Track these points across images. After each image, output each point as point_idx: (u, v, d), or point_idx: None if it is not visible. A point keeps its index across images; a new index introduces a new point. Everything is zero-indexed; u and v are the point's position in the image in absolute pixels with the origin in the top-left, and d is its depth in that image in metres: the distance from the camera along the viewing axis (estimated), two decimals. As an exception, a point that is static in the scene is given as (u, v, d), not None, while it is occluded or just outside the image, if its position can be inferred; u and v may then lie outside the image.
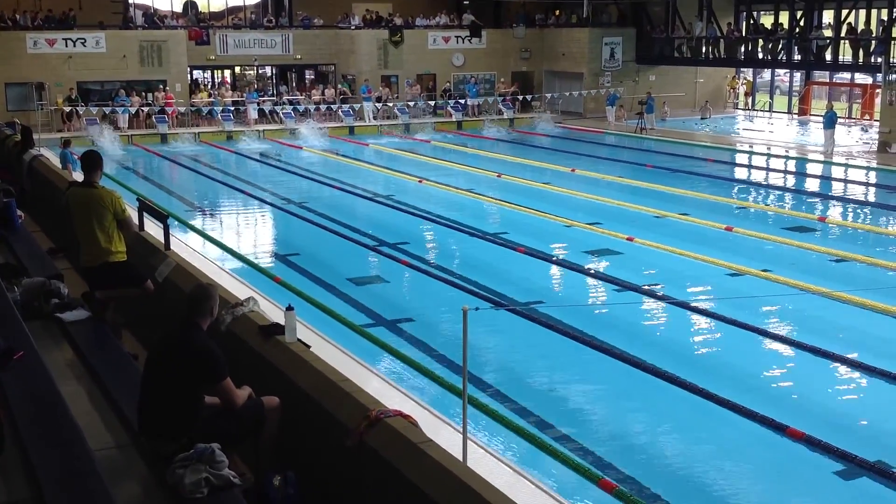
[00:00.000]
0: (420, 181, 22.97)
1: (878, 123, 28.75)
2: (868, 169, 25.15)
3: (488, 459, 7.70)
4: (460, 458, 5.75)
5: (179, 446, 5.03)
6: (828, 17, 33.40)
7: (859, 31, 31.20)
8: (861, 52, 30.55)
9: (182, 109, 32.75)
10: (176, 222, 16.65)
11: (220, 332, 6.28)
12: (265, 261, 15.58)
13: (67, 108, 31.05)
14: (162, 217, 9.58)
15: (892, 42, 30.41)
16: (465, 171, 24.65)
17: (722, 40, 35.49)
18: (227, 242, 16.71)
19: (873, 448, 8.20)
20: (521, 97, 36.79)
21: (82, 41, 32.47)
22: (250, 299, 6.73)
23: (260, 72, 37.26)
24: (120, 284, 7.77)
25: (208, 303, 5.47)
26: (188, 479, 4.81)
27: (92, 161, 7.85)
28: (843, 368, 10.34)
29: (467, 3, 39.12)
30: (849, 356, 10.45)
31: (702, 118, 36.57)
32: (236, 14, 39.40)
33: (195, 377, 5.22)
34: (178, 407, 5.20)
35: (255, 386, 5.56)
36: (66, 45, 32.13)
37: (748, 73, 40.63)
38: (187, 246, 15.05)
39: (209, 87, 36.45)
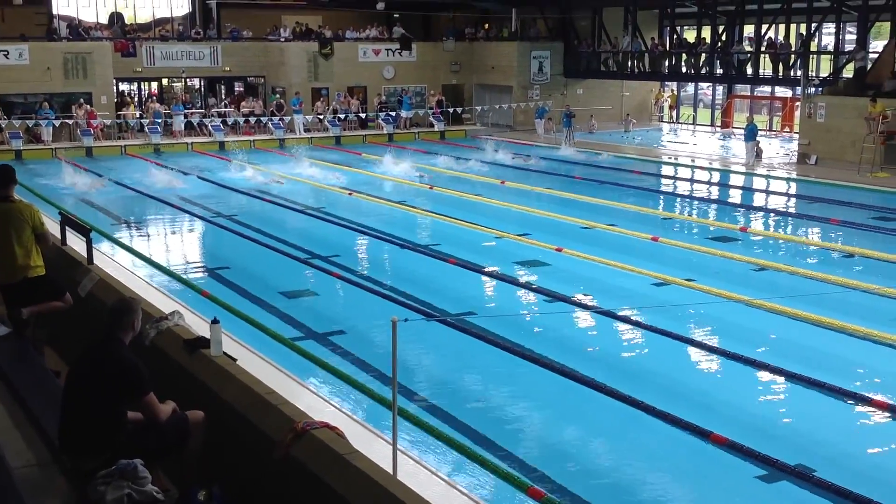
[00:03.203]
0: (350, 193, 22.93)
1: (797, 135, 29.55)
2: (788, 180, 25.83)
3: (419, 471, 7.71)
4: (390, 470, 5.76)
5: (101, 462, 4.95)
6: (748, 31, 34.26)
7: (779, 45, 32.08)
8: (781, 66, 31.41)
9: (108, 122, 32.19)
10: (100, 236, 16.37)
11: (143, 346, 6.21)
12: (193, 274, 15.38)
13: (-10, 121, 30.32)
14: (84, 231, 9.41)
15: (811, 56, 31.37)
16: (398, 183, 24.67)
17: (647, 54, 36.18)
18: (154, 256, 16.45)
19: (794, 452, 8.41)
20: (451, 110, 36.98)
21: (4, 53, 31.75)
22: (175, 313, 6.66)
23: (188, 84, 36.82)
24: (40, 299, 7.61)
25: (130, 317, 5.40)
26: (110, 495, 4.73)
27: (6, 175, 7.68)
28: (764, 374, 10.59)
29: (397, 16, 39.25)
30: (770, 362, 10.71)
31: (625, 131, 37.21)
32: (163, 26, 38.90)
33: (117, 392, 5.15)
34: (100, 422, 5.12)
35: (180, 400, 5.50)
36: (-12, 58, 31.41)
37: (673, 86, 41.48)
38: (112, 260, 14.79)
39: (134, 99, 35.87)
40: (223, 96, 37.11)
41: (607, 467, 8.51)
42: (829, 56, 32.26)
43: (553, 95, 38.06)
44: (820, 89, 28.51)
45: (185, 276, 14.93)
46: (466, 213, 20.03)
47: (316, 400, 9.26)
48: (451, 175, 25.67)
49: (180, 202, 21.62)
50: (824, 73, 31.28)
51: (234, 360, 6.11)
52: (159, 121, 32.75)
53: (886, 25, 30.13)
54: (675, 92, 41.84)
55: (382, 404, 9.26)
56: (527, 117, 37.57)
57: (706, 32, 35.36)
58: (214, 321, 6.12)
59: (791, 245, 17.93)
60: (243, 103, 35.55)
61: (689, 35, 37.60)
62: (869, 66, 27.85)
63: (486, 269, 15.57)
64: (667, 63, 35.81)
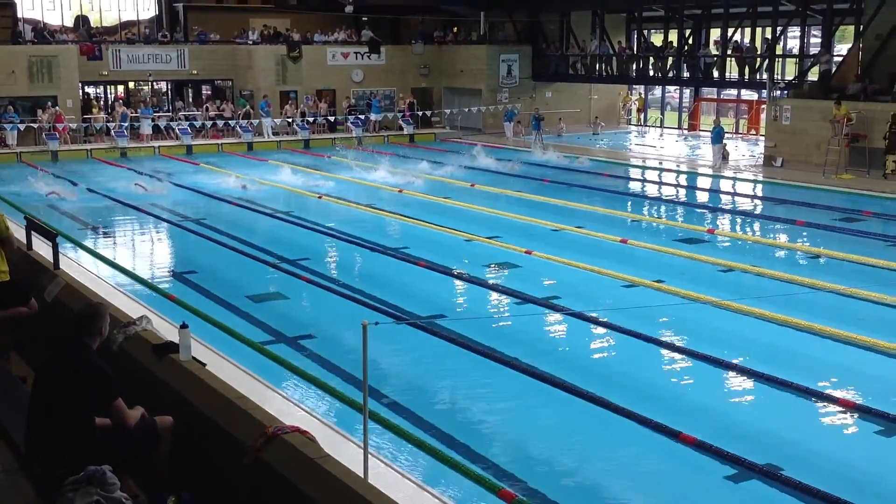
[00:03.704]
0: (320, 197, 22.86)
1: (763, 138, 29.84)
2: (754, 182, 26.10)
3: (390, 474, 7.70)
4: (361, 474, 5.74)
5: (69, 469, 4.90)
6: (715, 35, 34.57)
7: (744, 48, 32.40)
8: (747, 69, 31.74)
9: (74, 126, 31.88)
10: (67, 241, 16.20)
11: (111, 351, 6.15)
12: (160, 279, 15.26)
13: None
14: (50, 236, 9.31)
15: (776, 59, 31.72)
16: (367, 186, 24.63)
17: (614, 58, 36.41)
18: (121, 261, 16.31)
19: (762, 451, 8.49)
20: (420, 113, 37.00)
21: (-31, 56, 31.36)
22: (143, 318, 6.61)
23: (155, 87, 36.56)
24: (5, 305, 7.52)
25: (97, 322, 5.36)
26: (78, 502, 4.68)
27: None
28: (732, 374, 10.69)
29: (366, 19, 39.22)
30: (737, 362, 10.81)
31: (594, 134, 37.42)
32: (130, 29, 38.58)
33: (85, 398, 5.10)
34: (67, 429, 5.07)
35: (149, 406, 5.46)
36: (-48, 61, 31.01)
37: (640, 89, 41.76)
38: (78, 265, 14.63)
39: (100, 102, 35.55)
40: (190, 100, 36.87)
41: (577, 468, 8.54)
42: (794, 59, 32.65)
43: (522, 99, 38.20)
44: (785, 92, 28.83)
45: (152, 281, 14.82)
46: (436, 216, 20.04)
47: (286, 404, 9.21)
48: (423, 178, 25.63)
49: (147, 206, 21.44)
50: (789, 77, 31.64)
51: (204, 364, 6.08)
52: (126, 124, 32.48)
53: (850, 29, 30.52)
54: (643, 95, 42.14)
55: (353, 408, 9.24)
56: (496, 120, 37.68)
57: (673, 36, 35.66)
58: (183, 326, 6.09)
59: (758, 246, 18.11)
60: (209, 105, 35.31)
61: (656, 39, 37.89)
62: (833, 70, 28.21)
63: (456, 272, 15.59)
64: (634, 66, 36.05)
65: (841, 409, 9.65)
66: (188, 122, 33.68)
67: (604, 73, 36.95)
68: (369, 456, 6.78)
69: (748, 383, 10.48)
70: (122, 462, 5.14)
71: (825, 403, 9.80)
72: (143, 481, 5.39)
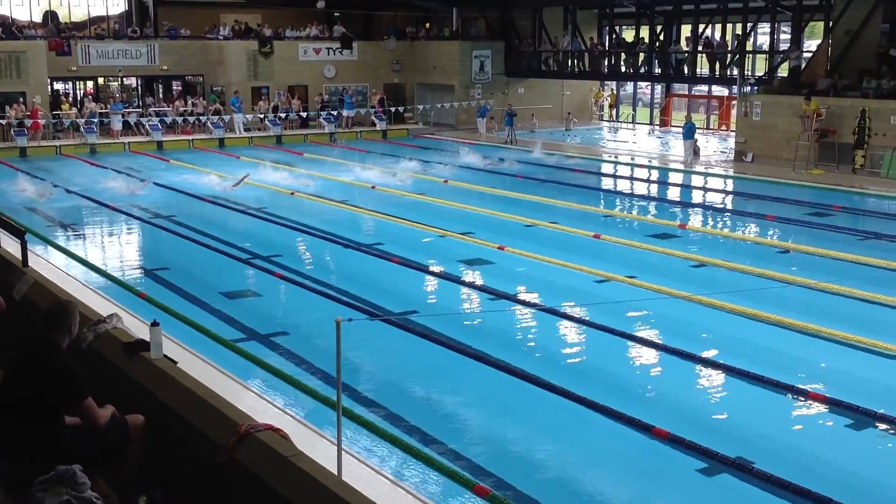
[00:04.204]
0: (293, 193, 22.76)
1: (734, 134, 30.07)
2: (725, 177, 26.27)
3: (364, 471, 7.69)
4: (335, 471, 5.72)
5: (39, 469, 4.84)
6: (686, 31, 34.77)
7: (715, 45, 32.61)
8: (717, 66, 31.94)
9: (43, 122, 31.54)
10: (36, 238, 16.03)
11: (81, 350, 6.09)
12: (131, 276, 15.13)
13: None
14: (19, 233, 9.20)
15: (747, 55, 31.95)
16: (340, 183, 24.54)
17: (587, 54, 36.52)
18: (91, 258, 16.15)
19: (733, 444, 8.55)
20: (393, 109, 36.94)
21: (-64, 53, 30.93)
22: (113, 316, 6.54)
23: (124, 83, 36.23)
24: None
25: (67, 320, 5.30)
26: (48, 502, 4.63)
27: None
28: (704, 368, 10.76)
29: (338, 15, 39.05)
30: (709, 356, 10.88)
31: (566, 129, 37.53)
32: (99, 24, 38.17)
33: (55, 397, 5.05)
34: (37, 428, 5.01)
35: (119, 404, 5.41)
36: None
37: (612, 85, 41.93)
38: (48, 262, 14.49)
39: (69, 98, 35.18)
40: (161, 95, 36.57)
41: (551, 463, 8.57)
42: (764, 55, 32.92)
43: (495, 94, 38.24)
44: (756, 88, 29.05)
45: (122, 278, 14.69)
46: (409, 212, 20.02)
47: (259, 402, 9.18)
48: (396, 174, 25.55)
49: (117, 203, 21.25)
50: (760, 72, 31.93)
51: (175, 362, 6.03)
52: (95, 120, 32.18)
53: (820, 25, 30.85)
54: (615, 91, 42.31)
55: (326, 405, 9.22)
56: (469, 116, 37.70)
57: (644, 32, 35.82)
58: (154, 323, 6.03)
59: (729, 241, 18.24)
60: (177, 102, 35.03)
61: (628, 35, 38.04)
62: (803, 66, 28.45)
63: (430, 268, 15.58)
64: (606, 62, 36.19)
65: (811, 402, 9.74)
66: (159, 119, 33.42)
67: (576, 69, 37.06)
68: (343, 453, 6.77)
69: (720, 377, 10.56)
70: (92, 461, 5.09)
71: (796, 397, 9.88)
72: (115, 481, 5.34)
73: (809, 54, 29.15)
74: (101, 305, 10.84)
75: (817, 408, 9.65)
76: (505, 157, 29.21)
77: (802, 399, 9.82)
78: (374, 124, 36.50)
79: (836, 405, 9.50)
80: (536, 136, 35.18)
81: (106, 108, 33.48)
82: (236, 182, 23.62)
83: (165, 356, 5.99)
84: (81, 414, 5.14)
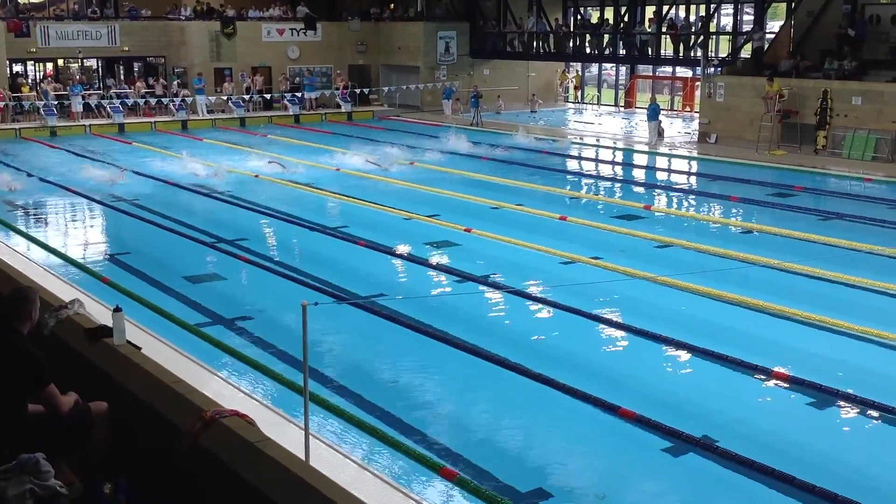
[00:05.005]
0: (257, 176, 22.57)
1: (698, 115, 30.25)
2: (689, 158, 26.44)
3: (332, 455, 7.67)
4: (302, 456, 5.70)
5: (1, 458, 4.76)
6: (650, 13, 34.85)
7: (679, 26, 32.72)
8: (681, 47, 32.07)
9: (2, 105, 31.03)
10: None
11: (43, 336, 5.99)
12: (93, 261, 14.95)
13: None
14: (-23, 218, 9.03)
15: (710, 37, 32.10)
16: (305, 165, 24.37)
17: (551, 35, 36.50)
18: (52, 242, 15.93)
19: (699, 424, 8.63)
20: (357, 90, 36.72)
21: None
22: (75, 301, 6.45)
23: (85, 64, 35.70)
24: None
25: (27, 306, 5.21)
26: (11, 491, 4.56)
27: None
28: (670, 349, 10.83)
29: (301, -5, 38.73)
30: (675, 337, 10.96)
31: (531, 111, 37.55)
32: (58, 5, 37.56)
33: (16, 384, 4.97)
34: (-2, 417, 4.93)
35: (83, 391, 5.34)
36: None
37: (577, 66, 41.97)
38: (7, 246, 14.29)
39: (28, 80, 34.61)
40: (122, 77, 36.08)
41: (519, 444, 8.60)
42: (727, 37, 33.08)
43: (460, 76, 38.14)
44: (719, 69, 29.20)
45: (84, 263, 14.51)
46: (375, 195, 19.94)
47: (225, 387, 9.11)
48: (362, 157, 25.45)
49: (78, 186, 20.97)
50: (723, 54, 32.08)
51: (139, 348, 5.96)
52: (55, 103, 31.69)
53: (783, 6, 31.04)
54: (580, 72, 42.36)
55: (293, 389, 9.18)
56: (434, 98, 37.57)
57: (609, 13, 35.87)
58: (117, 309, 5.95)
59: (693, 222, 18.37)
60: (139, 83, 34.58)
61: (593, 16, 38.08)
62: (766, 47, 28.65)
63: (396, 251, 15.54)
64: (571, 44, 36.20)
65: (775, 381, 9.84)
66: (120, 100, 32.98)
67: (541, 51, 37.03)
68: (311, 438, 6.74)
69: (685, 357, 10.64)
70: (55, 449, 5.02)
71: (760, 376, 9.98)
72: (78, 468, 5.27)
73: (772, 36, 29.36)
74: (63, 291, 10.70)
75: (781, 387, 9.75)
76: (472, 139, 29.07)
77: (766, 378, 9.92)
78: (338, 106, 36.28)
79: (799, 384, 9.62)
80: (502, 118, 35.14)
81: (65, 90, 32.97)
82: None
83: (129, 342, 5.93)
84: (44, 401, 5.07)
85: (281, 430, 7.69)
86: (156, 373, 5.42)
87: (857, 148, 24.00)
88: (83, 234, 17.96)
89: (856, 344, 10.96)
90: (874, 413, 9.00)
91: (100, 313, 7.91)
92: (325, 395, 9.20)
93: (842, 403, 9.29)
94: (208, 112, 34.14)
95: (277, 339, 11.09)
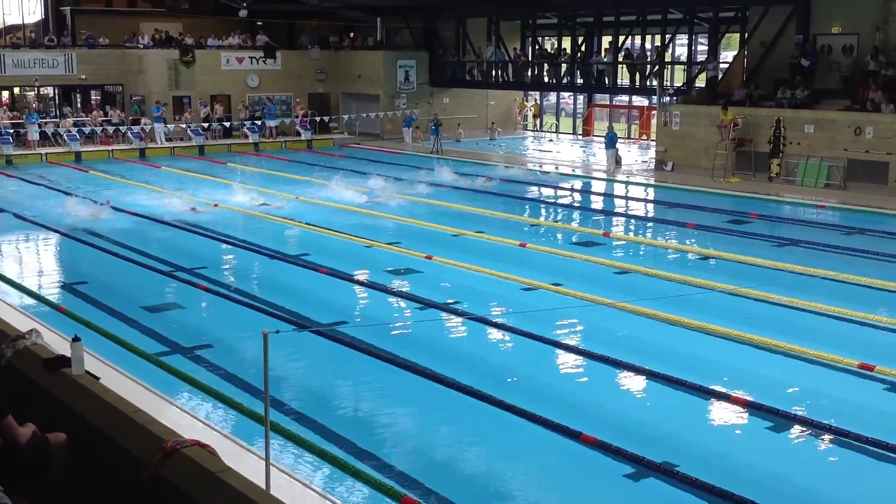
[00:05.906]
0: (216, 205, 22.44)
1: (654, 143, 30.66)
2: (647, 186, 26.74)
3: (293, 485, 7.63)
4: (263, 486, 5.67)
5: (-44, 491, 4.71)
6: (606, 42, 35.34)
7: (635, 56, 33.21)
8: (638, 76, 32.53)
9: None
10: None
11: (0, 367, 5.92)
12: (49, 291, 14.77)
13: None
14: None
15: (666, 66, 32.60)
16: (264, 193, 24.28)
17: (510, 64, 36.86)
18: (8, 273, 15.70)
19: (659, 449, 8.71)
20: (318, 118, 36.75)
21: None
22: (33, 331, 6.38)
23: (41, 93, 35.36)
24: None
25: (-15, 337, 5.15)
26: (-33, 525, 4.50)
27: None
28: (629, 374, 10.92)
29: (260, 24, 38.73)
30: (634, 362, 11.05)
31: (490, 139, 37.82)
32: (15, 33, 37.23)
33: (-28, 417, 4.90)
34: (-47, 450, 4.86)
35: (41, 422, 5.28)
36: None
37: (536, 95, 42.38)
38: (-38, 278, 14.07)
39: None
40: (79, 105, 35.79)
41: (480, 471, 8.61)
42: (682, 66, 33.65)
43: (420, 104, 38.33)
44: (675, 98, 29.66)
45: (41, 293, 14.33)
46: (336, 223, 19.93)
47: (185, 417, 9.04)
48: (319, 184, 25.42)
49: (33, 216, 20.72)
50: (678, 83, 32.62)
51: (97, 378, 5.91)
52: (11, 131, 31.35)
53: (736, 37, 31.67)
54: (538, 101, 42.78)
55: (254, 419, 9.12)
56: (394, 126, 37.71)
57: (567, 43, 36.31)
58: (75, 339, 5.91)
59: (651, 248, 18.58)
60: (96, 112, 34.32)
61: (550, 46, 38.53)
62: (720, 76, 29.16)
63: (357, 278, 15.53)
64: (529, 73, 36.59)
65: (733, 406, 9.96)
66: (77, 129, 32.71)
67: (500, 79, 37.36)
68: (271, 467, 6.71)
69: (644, 383, 10.73)
70: (13, 481, 4.95)
71: (718, 401, 10.10)
72: (36, 500, 5.20)
73: (726, 65, 29.89)
74: (20, 321, 10.55)
75: (739, 411, 9.87)
76: (432, 167, 29.15)
77: (725, 403, 10.04)
78: (299, 134, 36.27)
79: (756, 408, 9.73)
80: (462, 146, 35.34)
81: (22, 119, 32.62)
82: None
83: (87, 372, 5.88)
84: (1, 432, 5.00)
85: (241, 459, 7.64)
86: (115, 403, 5.38)
87: (810, 175, 24.46)
88: (39, 264, 17.74)
89: (809, 368, 11.13)
90: (827, 436, 9.14)
91: (58, 343, 7.84)
92: (286, 424, 9.15)
93: (798, 427, 9.42)
94: (167, 140, 33.95)
95: (237, 367, 11.02)
